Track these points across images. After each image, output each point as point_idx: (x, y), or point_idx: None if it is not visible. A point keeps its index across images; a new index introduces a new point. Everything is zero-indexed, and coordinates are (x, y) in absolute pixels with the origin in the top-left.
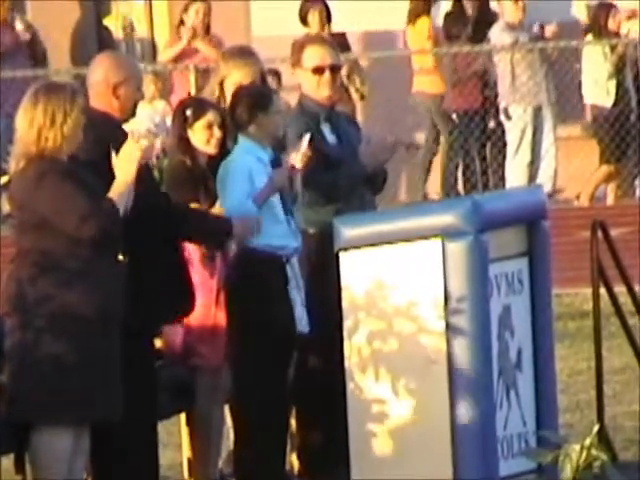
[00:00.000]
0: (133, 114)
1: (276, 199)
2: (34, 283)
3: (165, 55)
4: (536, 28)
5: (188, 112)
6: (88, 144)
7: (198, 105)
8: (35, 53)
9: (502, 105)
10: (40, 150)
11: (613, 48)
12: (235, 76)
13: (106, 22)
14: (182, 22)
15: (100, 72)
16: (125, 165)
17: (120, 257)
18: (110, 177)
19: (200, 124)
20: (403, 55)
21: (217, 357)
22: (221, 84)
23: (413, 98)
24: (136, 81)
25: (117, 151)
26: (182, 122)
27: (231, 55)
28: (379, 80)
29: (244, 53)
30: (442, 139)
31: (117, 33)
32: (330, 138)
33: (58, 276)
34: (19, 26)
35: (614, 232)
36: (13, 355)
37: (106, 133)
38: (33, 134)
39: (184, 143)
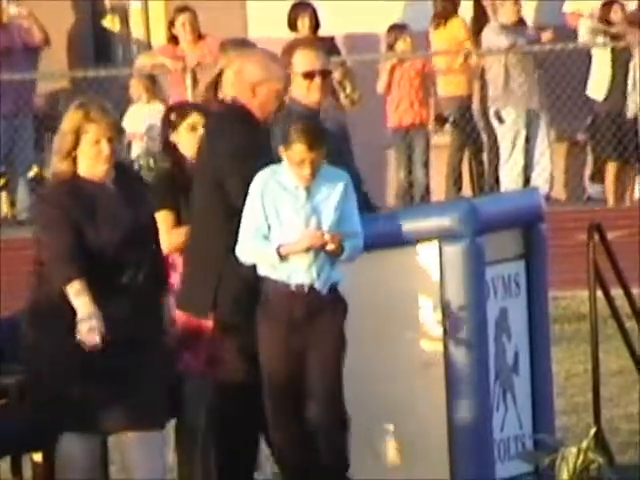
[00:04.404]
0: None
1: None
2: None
3: (146, 59)
4: (532, 31)
5: (172, 116)
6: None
7: (181, 108)
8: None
9: (493, 109)
10: None
11: (615, 48)
12: (237, 64)
13: (105, 23)
14: (174, 38)
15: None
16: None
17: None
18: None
19: (184, 126)
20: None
21: (201, 364)
22: (219, 75)
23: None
24: (276, 83)
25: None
26: (167, 127)
27: (231, 45)
28: (363, 82)
29: (245, 43)
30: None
31: (114, 29)
32: None
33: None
34: (13, 10)
35: (611, 235)
36: (30, 362)
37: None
38: None
39: (169, 148)
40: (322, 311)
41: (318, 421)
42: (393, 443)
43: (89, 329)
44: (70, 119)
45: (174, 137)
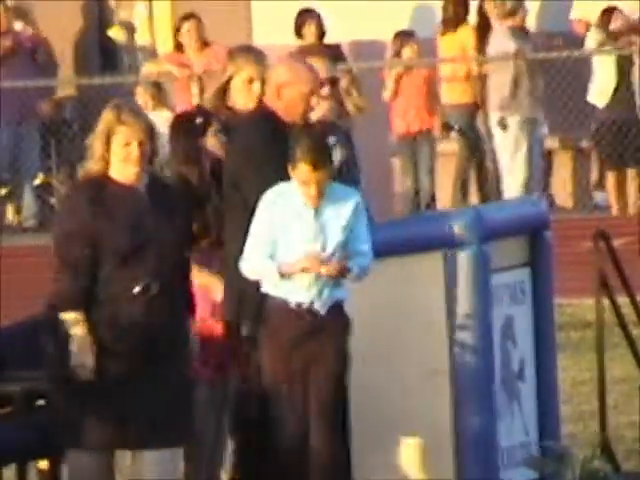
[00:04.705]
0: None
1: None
2: None
3: (152, 67)
4: (541, 38)
5: (199, 120)
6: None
7: (205, 113)
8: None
9: (498, 116)
10: None
11: (619, 56)
12: (247, 72)
13: (110, 33)
14: (180, 45)
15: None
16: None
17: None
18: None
19: (211, 131)
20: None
21: (211, 370)
22: (227, 83)
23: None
24: (302, 85)
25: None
26: (193, 131)
27: (240, 53)
28: (369, 89)
29: (253, 50)
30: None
31: (120, 37)
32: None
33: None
34: (18, 26)
35: (616, 242)
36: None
37: None
38: None
39: (195, 153)
40: (323, 330)
41: (320, 440)
42: (414, 455)
43: (81, 364)
44: (103, 120)
45: (205, 142)
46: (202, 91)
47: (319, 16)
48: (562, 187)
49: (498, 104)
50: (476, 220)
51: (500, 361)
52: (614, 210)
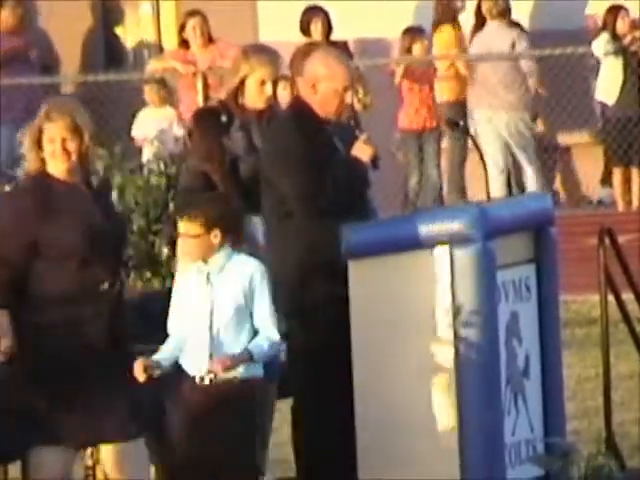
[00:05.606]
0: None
1: (199, 327)
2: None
3: (157, 64)
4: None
5: (224, 118)
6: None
7: (228, 110)
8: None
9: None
10: None
11: (624, 51)
12: (259, 73)
13: (117, 31)
14: (185, 42)
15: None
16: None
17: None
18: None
19: (234, 128)
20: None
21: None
22: (241, 83)
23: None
24: (336, 81)
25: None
26: (217, 128)
27: (254, 53)
28: (376, 86)
29: (267, 50)
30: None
31: (126, 41)
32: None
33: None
34: (33, 55)
35: (622, 239)
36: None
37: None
38: None
39: (219, 150)
40: (226, 405)
41: None
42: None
43: None
44: (38, 116)
45: (228, 139)
46: (207, 87)
47: (325, 13)
48: (566, 183)
49: (499, 102)
50: (481, 216)
51: (505, 358)
52: (620, 207)
